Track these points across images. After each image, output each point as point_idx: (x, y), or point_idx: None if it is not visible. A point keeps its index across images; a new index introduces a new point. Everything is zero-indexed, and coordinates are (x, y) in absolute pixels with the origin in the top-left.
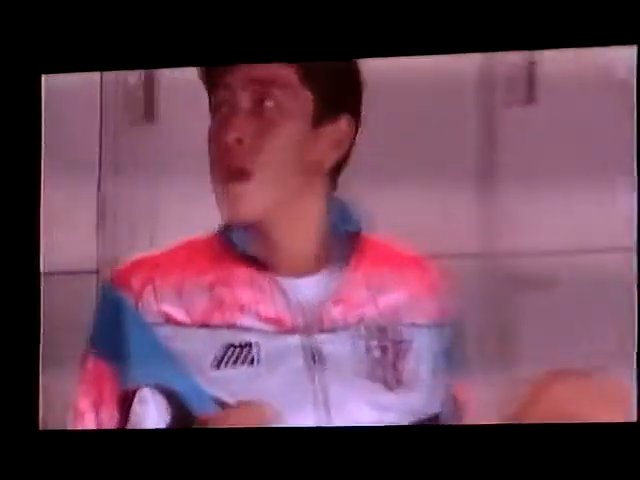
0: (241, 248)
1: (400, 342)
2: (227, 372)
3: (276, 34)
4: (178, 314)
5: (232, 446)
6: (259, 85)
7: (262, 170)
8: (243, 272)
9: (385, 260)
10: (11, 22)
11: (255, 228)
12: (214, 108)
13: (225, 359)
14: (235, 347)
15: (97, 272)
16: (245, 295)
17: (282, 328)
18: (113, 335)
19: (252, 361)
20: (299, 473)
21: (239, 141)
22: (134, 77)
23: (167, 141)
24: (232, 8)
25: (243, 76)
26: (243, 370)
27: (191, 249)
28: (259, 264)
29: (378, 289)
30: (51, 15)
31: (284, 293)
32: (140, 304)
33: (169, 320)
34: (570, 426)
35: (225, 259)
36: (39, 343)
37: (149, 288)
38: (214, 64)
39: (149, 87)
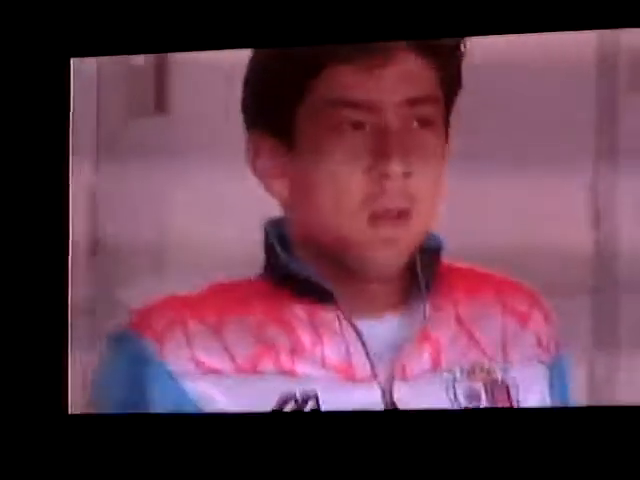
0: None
1: (506, 385)
2: None
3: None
4: (216, 362)
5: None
6: (408, 104)
7: (420, 208)
8: (301, 310)
9: (476, 286)
10: (39, 5)
11: (323, 257)
12: (331, 128)
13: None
14: (295, 400)
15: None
16: (304, 337)
17: (353, 377)
18: (126, 391)
19: None
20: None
21: (401, 174)
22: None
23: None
24: None
25: (381, 90)
26: None
27: (230, 288)
28: (324, 300)
29: (474, 322)
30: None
31: (358, 334)
32: (164, 350)
33: (204, 369)
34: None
35: (278, 296)
36: (67, 325)
37: (177, 331)
38: (267, 46)
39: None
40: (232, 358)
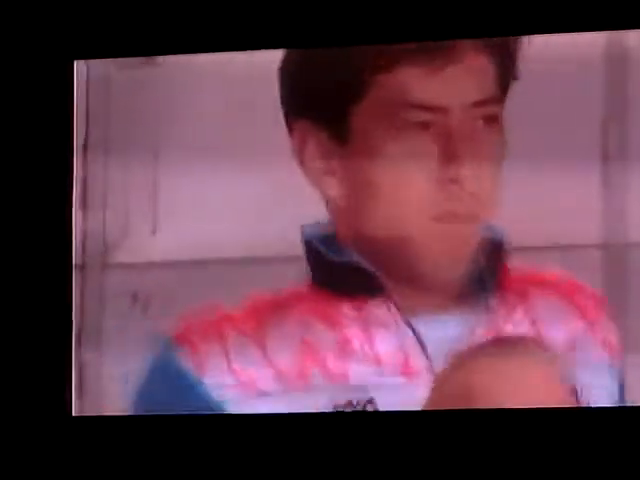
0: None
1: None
2: None
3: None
4: (258, 377)
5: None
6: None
7: (485, 208)
8: (349, 306)
9: (540, 286)
10: (43, 8)
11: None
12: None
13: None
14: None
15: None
16: (356, 337)
17: (410, 373)
18: (166, 407)
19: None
20: None
21: (469, 179)
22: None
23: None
24: None
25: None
26: None
27: (272, 297)
28: (374, 294)
29: (542, 323)
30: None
31: (412, 329)
32: (204, 366)
33: (249, 391)
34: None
35: (322, 296)
36: (71, 328)
37: (216, 345)
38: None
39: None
40: (276, 370)
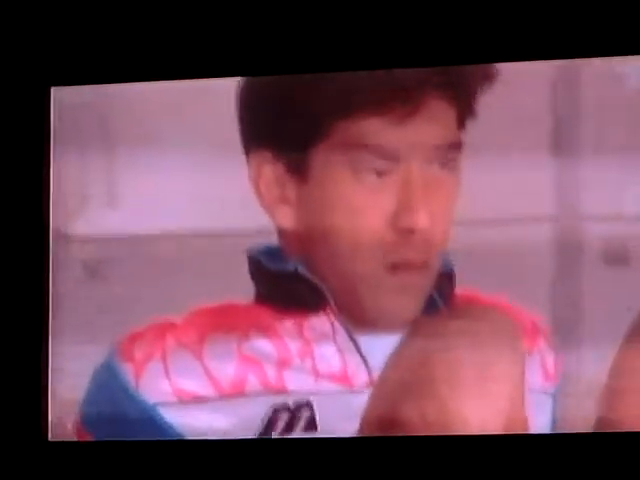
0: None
1: None
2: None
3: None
4: (197, 387)
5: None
6: (434, 152)
7: (439, 250)
8: (290, 319)
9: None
10: (21, 34)
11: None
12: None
13: (274, 427)
14: (288, 410)
15: None
16: (293, 348)
17: (350, 385)
18: (108, 415)
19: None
20: None
21: (423, 226)
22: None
23: None
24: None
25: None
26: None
27: (215, 310)
28: (316, 306)
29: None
30: (61, 27)
31: (353, 341)
32: (143, 381)
33: (185, 397)
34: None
35: (264, 309)
36: (48, 352)
37: (156, 359)
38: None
39: None
40: (213, 381)
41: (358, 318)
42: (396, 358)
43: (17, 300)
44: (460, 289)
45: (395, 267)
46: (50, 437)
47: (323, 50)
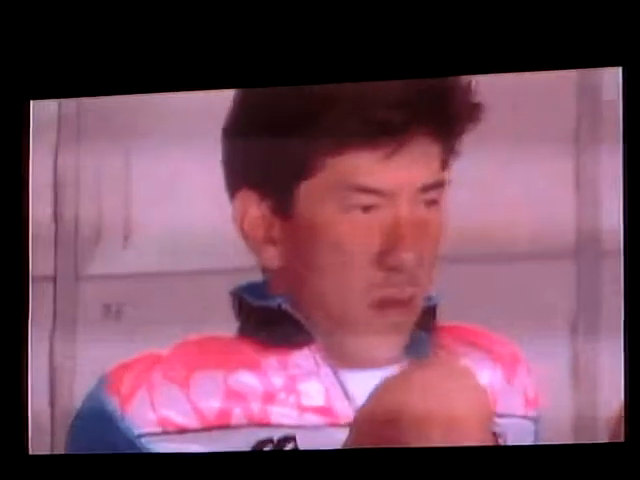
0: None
1: (496, 436)
2: None
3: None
4: (183, 420)
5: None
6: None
7: (424, 288)
8: (274, 355)
9: (465, 343)
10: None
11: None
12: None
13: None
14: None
15: None
16: (280, 384)
17: (335, 420)
18: (93, 445)
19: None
20: None
21: (410, 264)
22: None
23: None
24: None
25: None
26: None
27: (201, 344)
28: (299, 342)
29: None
30: (41, 41)
31: (336, 375)
32: (129, 412)
33: (170, 428)
34: (558, 447)
35: (249, 345)
36: (28, 367)
37: (143, 392)
38: (223, 87)
39: None
40: (200, 414)
41: (343, 355)
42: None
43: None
44: (443, 322)
45: (380, 304)
46: (30, 451)
47: (302, 61)
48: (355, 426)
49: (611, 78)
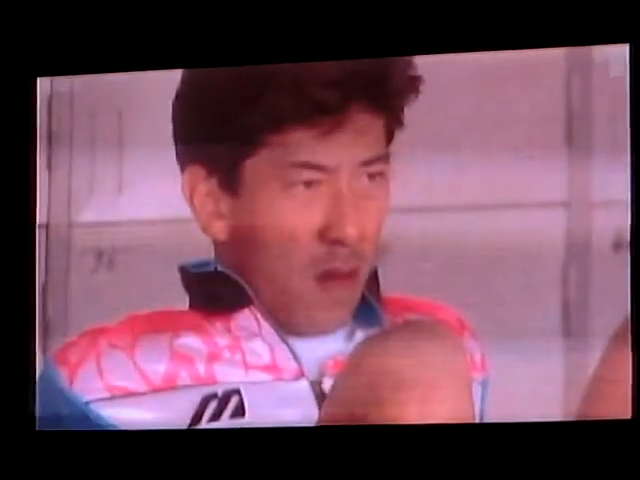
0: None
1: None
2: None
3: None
4: (129, 384)
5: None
6: (362, 165)
7: (368, 260)
8: (218, 317)
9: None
10: (6, 25)
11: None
12: (285, 187)
13: (202, 414)
14: (217, 398)
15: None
16: (222, 343)
17: (280, 376)
18: (53, 415)
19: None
20: None
21: (352, 238)
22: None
23: None
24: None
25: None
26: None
27: (148, 316)
28: (241, 303)
29: None
30: (47, 18)
31: (279, 335)
32: (77, 381)
33: (117, 393)
34: (564, 424)
35: (194, 313)
36: (34, 348)
37: (90, 360)
38: (225, 64)
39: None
40: (145, 377)
41: (288, 324)
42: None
43: (4, 295)
44: (389, 294)
45: (324, 277)
46: (38, 427)
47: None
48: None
49: (619, 55)
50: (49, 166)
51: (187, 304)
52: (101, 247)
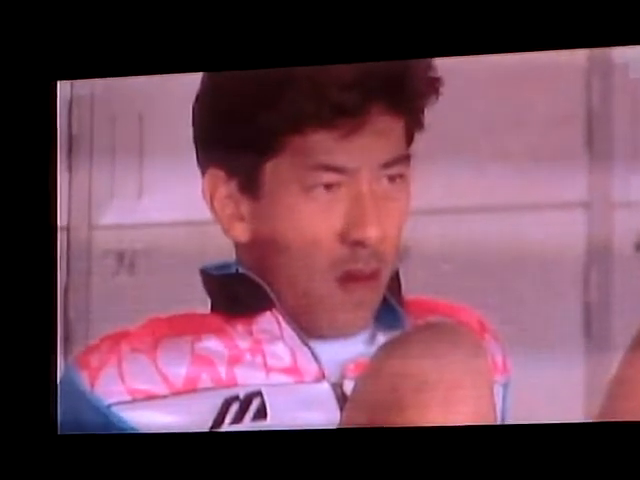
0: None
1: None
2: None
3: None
4: (151, 387)
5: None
6: (382, 167)
7: (389, 262)
8: (239, 321)
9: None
10: (26, 28)
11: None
12: (305, 190)
13: (225, 417)
14: (238, 401)
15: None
16: (247, 349)
17: (301, 379)
18: (74, 419)
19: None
20: None
21: (374, 239)
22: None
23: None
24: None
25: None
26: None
27: (169, 319)
28: (262, 307)
29: None
30: (67, 21)
31: (301, 338)
32: (97, 384)
33: (139, 396)
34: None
35: (216, 317)
36: (56, 352)
37: (111, 364)
38: (245, 68)
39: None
40: (166, 381)
41: (309, 327)
42: (366, 379)
43: (25, 298)
44: (410, 296)
45: (345, 279)
46: (59, 431)
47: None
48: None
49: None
50: (70, 169)
51: (209, 307)
52: (122, 250)
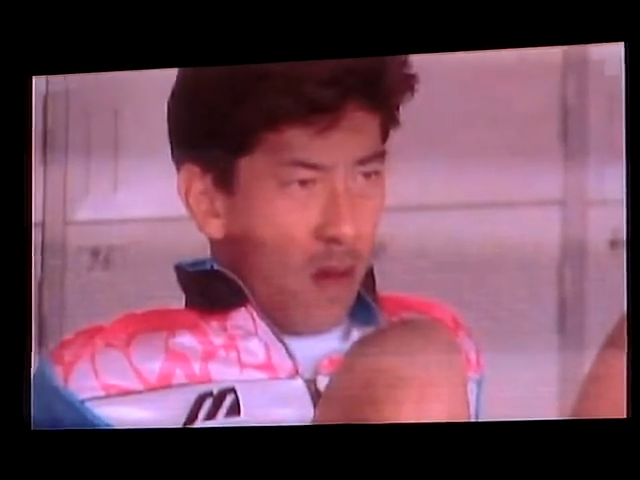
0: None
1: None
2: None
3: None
4: (124, 383)
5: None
6: (357, 163)
7: (363, 258)
8: (214, 317)
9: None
10: (2, 24)
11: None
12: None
13: (198, 413)
14: (212, 397)
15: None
16: (221, 344)
17: (275, 374)
18: (48, 415)
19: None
20: None
21: (349, 236)
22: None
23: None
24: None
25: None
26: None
27: (144, 315)
28: (236, 302)
29: None
30: (42, 17)
31: (275, 333)
32: (71, 380)
33: (112, 392)
34: (560, 423)
35: (191, 312)
36: (30, 346)
37: (85, 359)
38: (221, 63)
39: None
40: (140, 376)
41: (284, 323)
42: (340, 375)
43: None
44: (384, 292)
45: (320, 275)
46: (33, 427)
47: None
48: (328, 395)
49: (614, 53)
50: (44, 164)
51: (183, 303)
52: (97, 245)
